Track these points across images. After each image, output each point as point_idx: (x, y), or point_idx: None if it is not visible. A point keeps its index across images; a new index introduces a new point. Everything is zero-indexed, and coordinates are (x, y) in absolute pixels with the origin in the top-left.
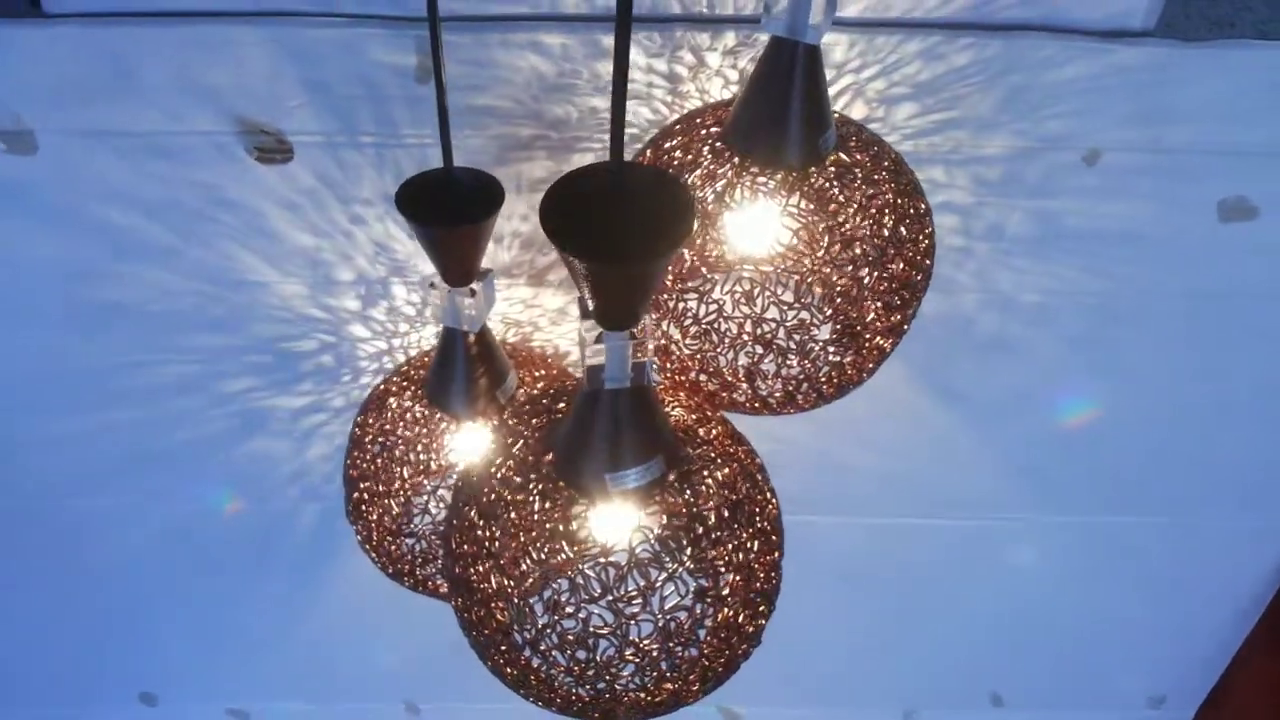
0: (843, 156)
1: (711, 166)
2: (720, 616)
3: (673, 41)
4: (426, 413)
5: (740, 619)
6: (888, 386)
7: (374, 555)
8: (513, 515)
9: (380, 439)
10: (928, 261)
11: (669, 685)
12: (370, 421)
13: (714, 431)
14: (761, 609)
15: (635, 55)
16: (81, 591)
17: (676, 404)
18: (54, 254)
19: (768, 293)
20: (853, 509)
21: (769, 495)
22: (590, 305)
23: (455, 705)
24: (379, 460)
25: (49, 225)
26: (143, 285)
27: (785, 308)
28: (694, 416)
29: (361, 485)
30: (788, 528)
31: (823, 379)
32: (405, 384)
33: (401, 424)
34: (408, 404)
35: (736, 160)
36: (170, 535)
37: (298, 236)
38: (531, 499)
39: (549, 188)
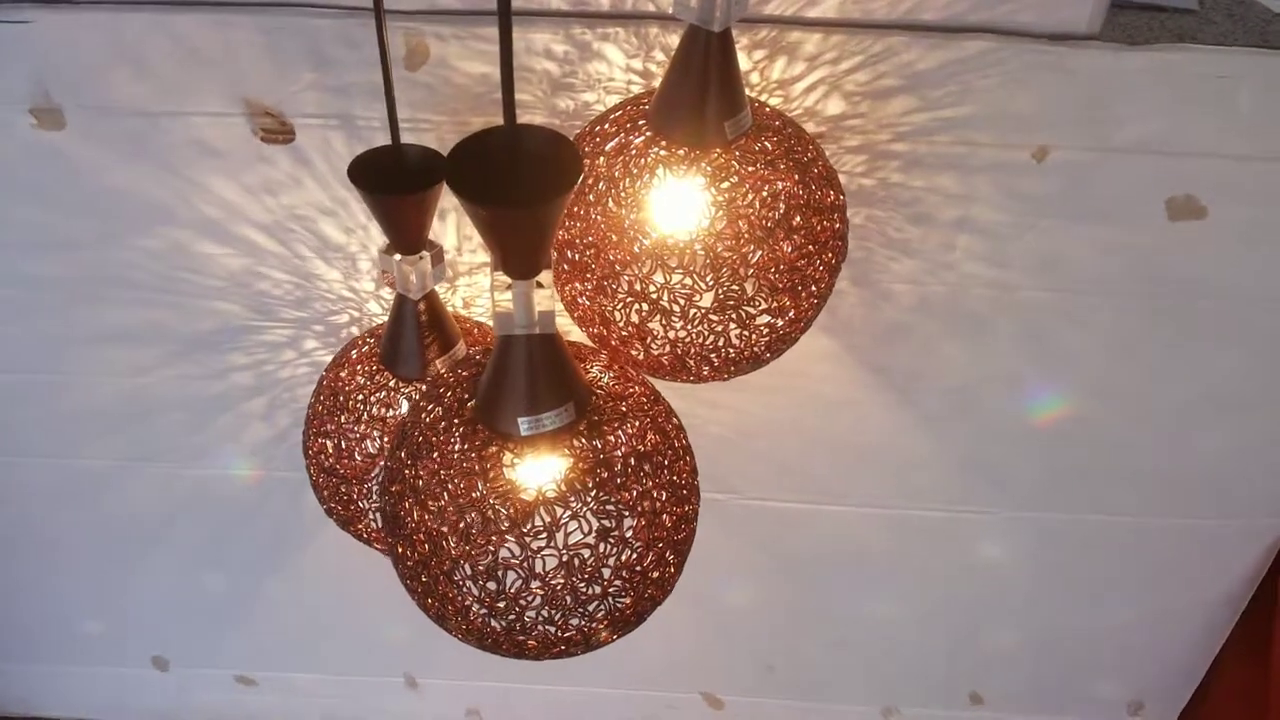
0: (750, 142)
1: (626, 139)
2: (625, 558)
3: (647, 42)
4: (375, 368)
5: (646, 564)
6: (838, 372)
7: (316, 492)
8: (435, 455)
9: (333, 385)
10: (830, 255)
11: (575, 620)
12: (331, 370)
13: (633, 390)
14: (669, 557)
15: (614, 54)
16: (100, 550)
17: (598, 365)
18: (87, 225)
19: (655, 255)
20: (817, 495)
21: (681, 453)
22: (496, 255)
23: (453, 682)
24: (327, 404)
25: (79, 198)
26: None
27: (669, 270)
28: (615, 377)
29: (313, 425)
30: (754, 512)
31: (709, 347)
32: (369, 340)
33: (354, 376)
34: (365, 360)
35: (648, 135)
36: (188, 501)
37: (320, 221)
38: (453, 440)
39: (453, 147)
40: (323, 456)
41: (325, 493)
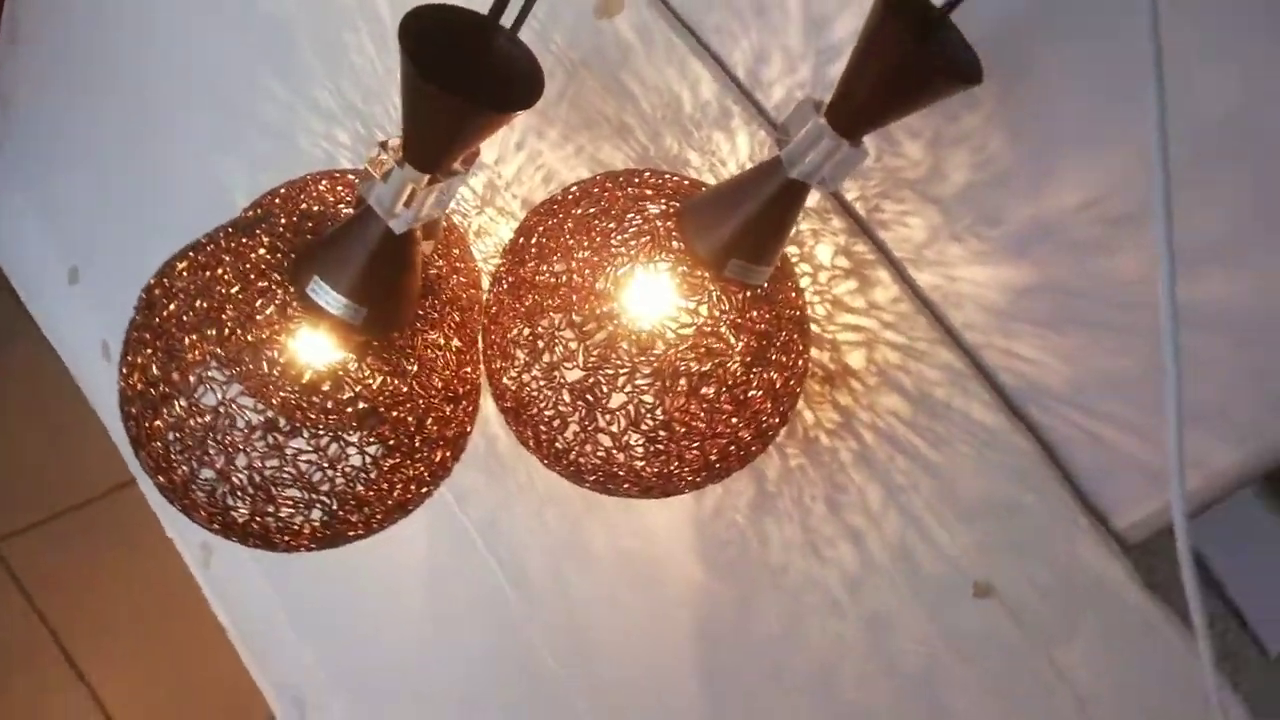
0: (744, 299)
1: (651, 197)
2: (312, 476)
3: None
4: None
5: (337, 486)
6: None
7: None
8: (229, 259)
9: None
10: (713, 453)
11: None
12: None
13: (440, 373)
14: (368, 499)
15: (742, 141)
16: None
17: (457, 338)
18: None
19: (572, 302)
20: None
21: (437, 440)
22: (406, 133)
23: None
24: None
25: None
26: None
27: (571, 323)
28: (456, 355)
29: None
30: None
31: (545, 419)
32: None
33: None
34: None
35: (668, 210)
36: None
37: None
38: (250, 255)
39: (412, 10)
40: None
41: None
